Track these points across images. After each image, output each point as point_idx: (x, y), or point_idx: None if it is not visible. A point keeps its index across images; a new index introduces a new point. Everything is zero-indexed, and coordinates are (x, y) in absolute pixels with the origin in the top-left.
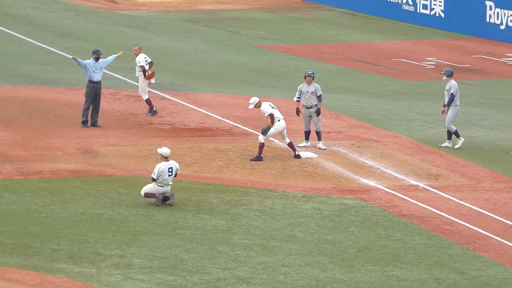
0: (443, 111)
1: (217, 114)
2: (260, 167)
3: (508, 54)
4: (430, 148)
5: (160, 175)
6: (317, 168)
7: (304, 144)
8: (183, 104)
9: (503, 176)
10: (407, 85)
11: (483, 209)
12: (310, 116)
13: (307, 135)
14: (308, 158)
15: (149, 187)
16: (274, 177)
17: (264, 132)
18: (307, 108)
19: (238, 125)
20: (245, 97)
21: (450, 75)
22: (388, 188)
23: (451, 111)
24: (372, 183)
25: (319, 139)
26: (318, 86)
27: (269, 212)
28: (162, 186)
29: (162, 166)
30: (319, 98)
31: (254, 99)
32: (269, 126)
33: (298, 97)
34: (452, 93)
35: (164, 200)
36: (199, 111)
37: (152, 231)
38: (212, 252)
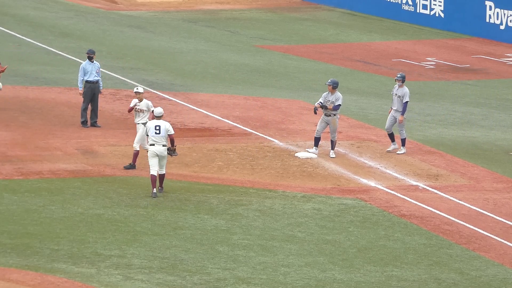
0: (401, 120)
1: (217, 114)
2: (260, 167)
3: (508, 54)
4: (429, 148)
5: (148, 131)
6: (317, 168)
7: (313, 150)
8: (182, 104)
9: (502, 176)
10: (407, 85)
11: (483, 209)
12: (326, 124)
13: (316, 141)
14: (308, 158)
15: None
16: (274, 177)
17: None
18: (326, 115)
19: (238, 125)
20: (245, 97)
21: (404, 80)
22: (388, 188)
23: (399, 119)
24: (372, 183)
25: (332, 148)
26: (340, 96)
27: (268, 212)
28: (153, 145)
29: (150, 122)
30: (335, 106)
31: (142, 88)
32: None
33: (320, 101)
34: (407, 101)
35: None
36: (199, 111)
37: (151, 231)
38: (211, 252)
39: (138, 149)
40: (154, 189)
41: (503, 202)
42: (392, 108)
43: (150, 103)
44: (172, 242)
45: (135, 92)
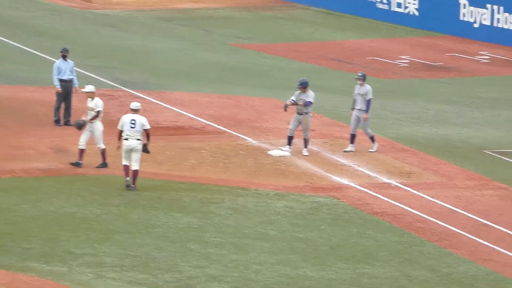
0: (366, 118)
1: (190, 113)
2: (233, 165)
3: (481, 52)
4: (402, 146)
5: (123, 125)
6: (290, 166)
7: (287, 149)
8: (156, 102)
9: (475, 173)
10: (380, 83)
11: (455, 207)
12: (299, 122)
13: (289, 140)
14: (280, 156)
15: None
16: (247, 175)
17: (80, 126)
18: (298, 114)
19: (211, 124)
20: (219, 96)
21: (365, 79)
22: (361, 186)
23: (364, 117)
24: (344, 181)
25: (305, 146)
26: (312, 94)
27: (241, 210)
28: (127, 139)
29: (125, 116)
30: (306, 102)
31: (93, 87)
32: (84, 120)
33: (292, 99)
34: (371, 98)
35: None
36: (172, 109)
37: (124, 229)
38: (184, 250)
39: (104, 146)
40: (127, 177)
41: (475, 199)
42: (354, 109)
43: (99, 103)
44: (144, 240)
45: (83, 91)
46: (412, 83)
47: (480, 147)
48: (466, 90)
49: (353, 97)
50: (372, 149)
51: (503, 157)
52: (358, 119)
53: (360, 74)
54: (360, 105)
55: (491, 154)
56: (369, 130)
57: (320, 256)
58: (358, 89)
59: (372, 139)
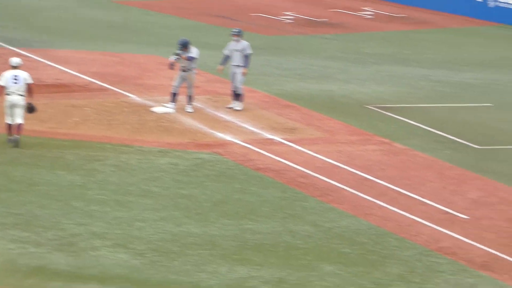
0: (245, 73)
1: (74, 70)
2: (117, 122)
3: (364, 8)
4: (286, 102)
5: (6, 82)
6: (174, 123)
7: (171, 106)
8: (39, 60)
9: (357, 129)
10: (265, 39)
11: (337, 162)
12: (183, 79)
13: (173, 96)
14: (164, 113)
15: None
16: (130, 132)
17: None
18: (183, 71)
19: (95, 81)
20: (103, 53)
21: (241, 35)
22: (244, 142)
23: (243, 72)
24: (228, 137)
25: (189, 103)
26: (195, 50)
27: (124, 167)
28: (9, 95)
29: (7, 72)
30: (189, 57)
31: None
32: None
33: (176, 54)
34: (251, 53)
35: (13, 141)
36: (56, 67)
37: (6, 187)
38: (67, 208)
39: None
40: (10, 136)
41: (357, 154)
42: (231, 65)
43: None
44: (27, 198)
45: None
46: (296, 39)
47: (364, 102)
48: (350, 46)
49: (224, 53)
50: (238, 106)
51: (386, 112)
52: (237, 75)
53: (236, 30)
54: (237, 61)
55: (374, 110)
56: (241, 87)
57: (203, 213)
58: (235, 46)
59: (241, 97)
